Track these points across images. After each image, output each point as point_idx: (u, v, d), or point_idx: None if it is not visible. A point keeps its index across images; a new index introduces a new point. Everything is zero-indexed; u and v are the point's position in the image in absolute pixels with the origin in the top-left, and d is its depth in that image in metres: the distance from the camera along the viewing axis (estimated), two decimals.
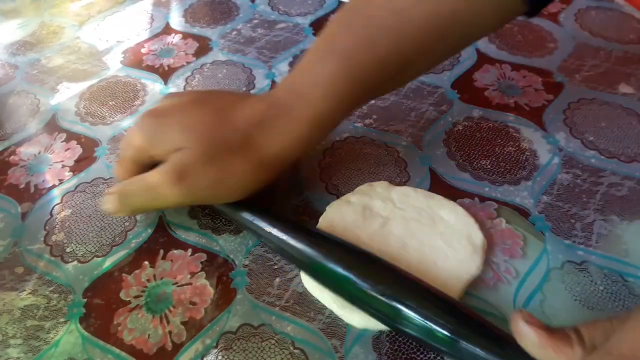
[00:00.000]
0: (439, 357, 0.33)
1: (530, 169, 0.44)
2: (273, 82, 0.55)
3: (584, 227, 0.40)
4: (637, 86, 0.52)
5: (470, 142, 0.47)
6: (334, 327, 0.35)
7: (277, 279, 0.38)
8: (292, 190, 0.44)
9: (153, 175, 0.37)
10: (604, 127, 0.48)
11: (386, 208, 0.41)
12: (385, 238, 0.39)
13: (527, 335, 0.28)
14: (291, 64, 0.57)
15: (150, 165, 0.38)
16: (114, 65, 0.59)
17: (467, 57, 0.57)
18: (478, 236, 0.38)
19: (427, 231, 0.39)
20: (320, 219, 0.40)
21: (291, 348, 0.34)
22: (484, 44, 0.59)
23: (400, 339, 0.34)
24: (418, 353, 0.33)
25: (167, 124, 0.37)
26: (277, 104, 0.38)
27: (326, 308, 0.36)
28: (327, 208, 0.41)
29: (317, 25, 0.63)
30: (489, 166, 0.45)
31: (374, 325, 0.34)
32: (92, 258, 0.40)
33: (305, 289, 0.37)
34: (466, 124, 0.49)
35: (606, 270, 0.37)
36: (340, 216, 0.40)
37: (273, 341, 0.34)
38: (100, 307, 0.37)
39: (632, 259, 0.38)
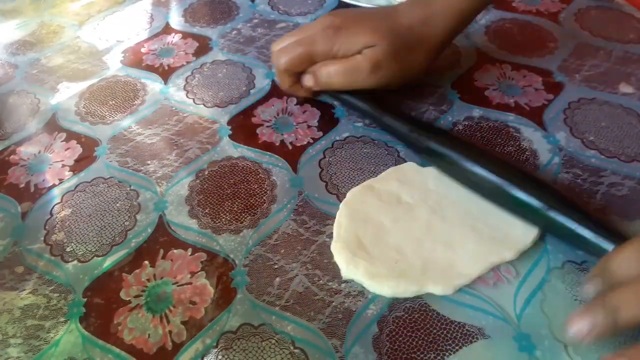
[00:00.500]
0: (439, 357, 0.33)
1: (531, 169, 0.44)
2: (273, 81, 0.55)
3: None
4: (638, 86, 0.52)
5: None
6: (334, 327, 0.35)
7: (277, 279, 0.38)
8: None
9: (355, 61, 0.46)
10: (604, 126, 0.48)
11: (414, 194, 0.42)
12: (409, 222, 0.40)
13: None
14: None
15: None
16: (114, 65, 0.59)
17: (467, 56, 0.57)
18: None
19: (461, 216, 0.41)
20: (341, 205, 0.42)
21: (291, 348, 0.34)
22: (484, 44, 0.58)
23: (400, 339, 0.34)
24: (418, 353, 0.33)
25: (354, 27, 0.47)
26: (432, 4, 0.48)
27: (326, 307, 0.36)
28: (348, 194, 0.43)
29: None
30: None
31: (402, 292, 0.36)
32: (92, 257, 0.40)
33: (335, 263, 0.38)
34: (466, 123, 0.49)
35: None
36: (362, 202, 0.42)
37: (273, 341, 0.34)
38: (100, 306, 0.37)
39: None
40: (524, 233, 0.39)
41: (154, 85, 0.56)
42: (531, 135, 0.47)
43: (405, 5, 0.49)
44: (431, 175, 0.44)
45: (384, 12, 0.49)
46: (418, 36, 0.47)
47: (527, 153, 0.46)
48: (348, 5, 0.65)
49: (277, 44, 0.49)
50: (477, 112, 0.50)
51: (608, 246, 0.34)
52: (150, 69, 0.58)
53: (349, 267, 0.37)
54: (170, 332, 0.35)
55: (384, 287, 0.36)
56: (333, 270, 0.38)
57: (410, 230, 0.40)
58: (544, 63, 0.55)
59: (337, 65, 0.47)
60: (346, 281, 0.37)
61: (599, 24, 0.61)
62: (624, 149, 0.46)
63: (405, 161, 0.45)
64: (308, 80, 0.49)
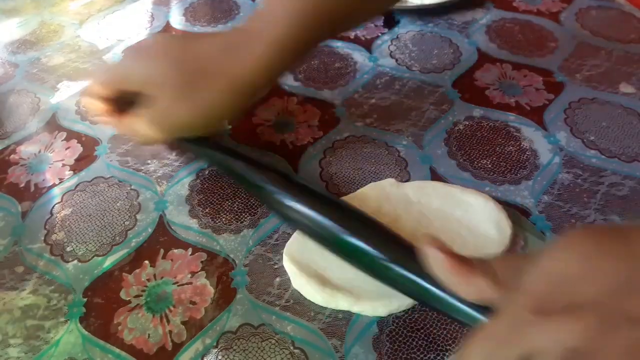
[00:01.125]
0: (439, 357, 0.33)
1: (531, 169, 0.44)
2: None
3: (585, 226, 0.40)
4: (638, 86, 0.52)
5: (471, 142, 0.47)
6: (334, 327, 0.35)
7: (278, 279, 0.38)
8: None
9: (134, 123, 0.40)
10: (605, 126, 0.48)
11: (397, 206, 0.41)
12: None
13: (437, 261, 0.28)
14: None
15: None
16: None
17: (467, 56, 0.57)
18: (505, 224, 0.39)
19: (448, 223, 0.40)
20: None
21: (291, 348, 0.34)
22: (485, 43, 0.58)
23: (400, 339, 0.34)
24: (418, 353, 0.33)
25: (128, 78, 0.40)
26: (241, 30, 0.39)
27: (326, 307, 0.36)
28: None
29: None
30: (489, 166, 0.45)
31: (397, 308, 0.35)
32: (93, 257, 0.40)
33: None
34: (467, 123, 0.49)
35: None
36: None
37: (273, 341, 0.34)
38: (100, 306, 0.37)
39: None
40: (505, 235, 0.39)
41: None
42: (532, 135, 0.47)
43: (218, 32, 0.42)
44: (411, 188, 0.42)
45: (182, 41, 0.42)
46: (217, 67, 0.38)
47: (527, 153, 0.46)
48: None
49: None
50: (477, 111, 0.50)
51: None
52: None
53: (329, 304, 0.36)
54: (170, 332, 0.35)
55: (377, 308, 0.35)
56: None
57: None
58: (545, 63, 0.55)
59: (131, 121, 0.41)
60: None
61: (600, 23, 0.61)
62: (624, 149, 0.46)
63: (406, 161, 0.45)
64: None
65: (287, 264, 0.38)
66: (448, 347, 0.34)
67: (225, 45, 0.39)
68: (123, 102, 0.41)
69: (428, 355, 0.33)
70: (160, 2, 0.69)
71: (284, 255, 0.38)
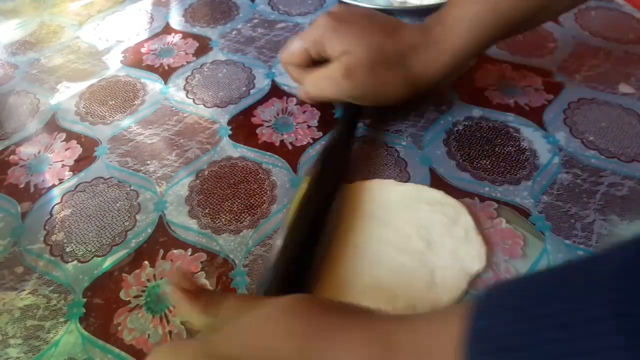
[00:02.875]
0: None
1: (531, 169, 0.44)
2: (273, 81, 0.55)
3: (584, 227, 0.40)
4: (637, 86, 0.52)
5: (471, 142, 0.47)
6: None
7: None
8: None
9: (326, 70, 0.45)
10: (604, 126, 0.48)
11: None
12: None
13: (174, 299, 0.31)
14: None
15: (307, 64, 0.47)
16: (114, 65, 0.59)
17: None
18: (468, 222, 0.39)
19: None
20: None
21: None
22: None
23: None
24: None
25: (343, 29, 0.44)
26: (429, 33, 0.44)
27: None
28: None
29: None
30: (489, 166, 0.45)
31: None
32: (92, 258, 0.40)
33: None
34: (466, 123, 0.49)
35: None
36: None
37: None
38: (100, 306, 0.37)
39: None
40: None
41: (154, 85, 0.56)
42: (531, 136, 0.47)
43: (411, 26, 0.46)
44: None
45: (384, 22, 0.46)
46: (401, 58, 0.44)
47: (527, 153, 0.46)
48: (349, 5, 0.65)
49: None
50: (477, 112, 0.50)
51: None
52: (150, 69, 0.58)
53: None
54: (170, 332, 0.35)
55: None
56: None
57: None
58: (544, 63, 0.55)
59: (316, 75, 0.46)
60: None
61: (599, 24, 0.61)
62: (623, 149, 0.46)
63: (406, 161, 0.45)
64: (299, 92, 0.50)
65: None
66: None
67: (414, 44, 0.44)
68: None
69: None
70: (159, 3, 0.69)
71: None
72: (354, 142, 0.47)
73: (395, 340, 0.25)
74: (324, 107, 0.52)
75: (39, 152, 0.49)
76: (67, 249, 0.40)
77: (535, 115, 0.49)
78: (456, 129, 0.48)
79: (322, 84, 0.46)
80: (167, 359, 0.27)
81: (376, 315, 0.28)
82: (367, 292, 0.36)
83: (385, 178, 0.44)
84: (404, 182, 0.44)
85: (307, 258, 0.36)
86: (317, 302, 0.29)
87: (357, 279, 0.37)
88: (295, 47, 0.47)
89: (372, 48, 0.43)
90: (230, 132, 0.49)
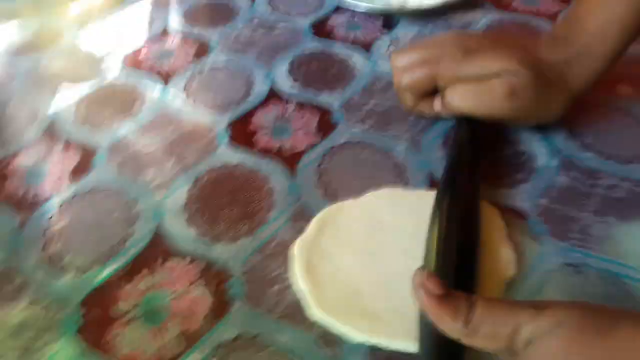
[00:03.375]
0: None
1: (528, 172, 0.44)
2: (271, 85, 0.55)
3: (582, 228, 0.40)
4: (636, 87, 0.51)
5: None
6: (331, 336, 0.35)
7: (276, 287, 0.38)
8: None
9: (490, 84, 0.43)
10: (602, 128, 0.48)
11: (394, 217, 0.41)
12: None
13: (421, 302, 0.30)
14: (292, 64, 0.57)
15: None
16: (114, 69, 0.59)
17: None
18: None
19: None
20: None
21: (288, 357, 0.34)
22: None
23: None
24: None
25: (490, 53, 0.43)
26: (577, 42, 0.43)
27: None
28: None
29: (318, 26, 0.63)
30: (487, 169, 0.45)
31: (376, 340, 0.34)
32: (90, 269, 0.40)
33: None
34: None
35: (604, 272, 0.37)
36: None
37: (270, 350, 0.34)
38: (97, 318, 0.37)
39: (630, 261, 0.38)
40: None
41: (153, 89, 0.56)
42: (529, 138, 0.47)
43: (545, 40, 0.45)
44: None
45: (520, 43, 0.46)
46: (560, 75, 0.43)
47: (524, 157, 0.45)
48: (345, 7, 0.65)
49: (398, 59, 0.47)
50: None
51: None
52: (150, 73, 0.58)
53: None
54: (166, 343, 0.35)
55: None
56: None
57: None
58: None
59: (469, 88, 0.44)
60: None
61: None
62: (621, 151, 0.45)
63: (404, 165, 0.45)
64: (437, 106, 0.47)
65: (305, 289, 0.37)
66: None
67: (567, 58, 0.43)
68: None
69: None
70: (159, 5, 0.69)
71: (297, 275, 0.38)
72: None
73: None
74: (322, 112, 0.51)
75: (36, 161, 0.49)
76: (65, 260, 0.40)
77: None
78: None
79: (477, 100, 0.44)
80: None
81: None
82: None
83: (383, 182, 0.44)
84: (402, 187, 0.44)
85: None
86: (599, 312, 0.28)
87: None
88: (422, 73, 0.45)
89: (531, 67, 0.42)
90: (228, 138, 0.49)
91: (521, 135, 0.47)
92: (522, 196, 0.42)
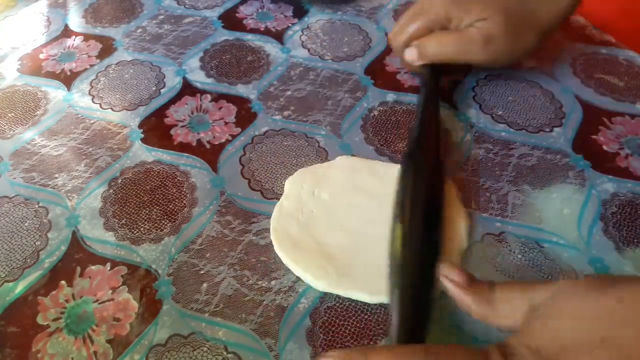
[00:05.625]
0: (372, 342, 0.34)
1: (444, 147, 0.45)
2: (184, 79, 0.53)
3: (499, 198, 0.42)
4: (539, 59, 0.54)
5: (387, 127, 0.48)
6: (267, 326, 0.34)
7: (205, 284, 0.37)
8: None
9: (468, 33, 0.46)
10: (511, 100, 0.50)
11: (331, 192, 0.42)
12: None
13: (450, 291, 0.32)
14: (202, 60, 0.56)
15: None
16: (11, 74, 0.55)
17: (377, 42, 0.57)
18: None
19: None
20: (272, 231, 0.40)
21: (224, 353, 0.33)
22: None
23: (333, 329, 0.34)
24: (352, 341, 0.34)
25: (467, 2, 0.46)
26: None
27: (257, 307, 0.35)
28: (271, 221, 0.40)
29: (227, 18, 0.62)
30: (405, 148, 0.45)
31: (335, 289, 0.36)
32: (2, 284, 0.37)
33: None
34: (381, 108, 0.49)
35: (523, 238, 0.39)
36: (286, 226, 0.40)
37: (205, 349, 0.33)
38: (15, 335, 0.34)
39: (546, 226, 0.40)
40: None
41: (56, 92, 0.52)
42: (443, 115, 0.48)
43: None
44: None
45: None
46: (531, 11, 0.46)
47: (440, 133, 0.47)
48: None
49: (395, 25, 0.50)
50: (390, 96, 0.51)
51: None
52: (51, 75, 0.54)
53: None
54: (95, 352, 0.33)
55: (319, 283, 0.36)
56: (262, 269, 0.37)
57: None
58: None
59: (446, 37, 0.47)
60: (276, 277, 0.37)
61: None
62: (530, 121, 0.48)
63: (326, 152, 0.45)
64: (410, 54, 0.49)
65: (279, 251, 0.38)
66: (380, 332, 0.34)
67: None
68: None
69: (362, 342, 0.34)
70: (56, 5, 0.65)
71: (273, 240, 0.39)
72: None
73: None
74: (240, 102, 0.50)
75: None
76: None
77: (446, 95, 0.50)
78: (372, 114, 0.49)
79: (455, 48, 0.46)
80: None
81: None
82: None
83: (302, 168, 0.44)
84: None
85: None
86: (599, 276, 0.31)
87: None
88: (415, 28, 0.48)
89: (505, 12, 0.45)
90: (142, 136, 0.47)
91: None
92: None
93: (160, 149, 0.46)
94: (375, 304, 0.35)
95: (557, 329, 0.26)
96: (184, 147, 0.46)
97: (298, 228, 0.39)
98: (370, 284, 0.35)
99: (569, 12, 0.47)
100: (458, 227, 0.39)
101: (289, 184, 0.42)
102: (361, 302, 0.36)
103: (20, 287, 0.37)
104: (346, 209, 0.40)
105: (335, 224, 0.39)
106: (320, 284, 0.36)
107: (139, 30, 0.60)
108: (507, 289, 0.31)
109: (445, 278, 0.32)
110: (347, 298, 0.36)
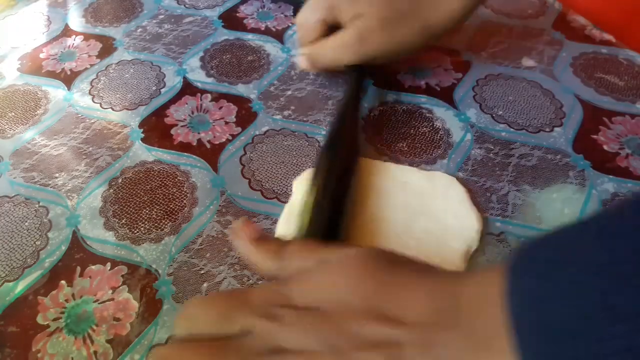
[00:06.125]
0: None
1: (445, 147, 0.45)
2: (184, 78, 0.53)
3: (500, 198, 0.42)
4: (538, 59, 0.54)
5: (387, 126, 0.48)
6: None
7: (205, 284, 0.37)
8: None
9: (340, 37, 0.45)
10: (512, 100, 0.50)
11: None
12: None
13: (239, 246, 0.33)
14: (202, 59, 0.56)
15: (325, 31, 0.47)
16: (11, 74, 0.55)
17: None
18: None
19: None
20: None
21: None
22: None
23: None
24: None
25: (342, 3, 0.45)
26: None
27: None
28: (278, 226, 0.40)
29: (227, 18, 0.62)
30: (405, 148, 0.46)
31: None
32: (3, 283, 0.37)
33: None
34: (381, 108, 0.49)
35: (523, 238, 0.39)
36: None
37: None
38: (15, 335, 0.35)
39: (546, 226, 0.40)
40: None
41: (56, 92, 0.52)
42: (443, 115, 0.48)
43: None
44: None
45: None
46: (414, 11, 0.44)
47: (440, 132, 0.47)
48: None
49: (298, 15, 0.49)
50: (390, 96, 0.51)
51: None
52: (52, 75, 0.54)
53: None
54: (95, 352, 0.33)
55: None
56: None
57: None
58: (452, 43, 0.57)
59: (323, 44, 0.47)
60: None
61: (499, 1, 0.63)
62: (530, 121, 0.48)
63: None
64: (302, 63, 0.49)
65: None
66: None
67: None
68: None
69: None
70: (56, 4, 0.65)
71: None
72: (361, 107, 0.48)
73: (457, 292, 0.26)
74: (241, 101, 0.50)
75: None
76: None
77: (446, 95, 0.50)
78: (372, 114, 0.49)
79: (335, 52, 0.46)
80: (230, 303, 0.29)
81: (435, 270, 0.29)
82: None
83: (308, 169, 0.44)
84: None
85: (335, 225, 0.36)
86: (383, 255, 0.29)
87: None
88: (312, 20, 0.47)
89: (383, 7, 0.44)
90: (142, 135, 0.47)
91: (436, 113, 0.49)
92: (441, 171, 0.43)
93: (160, 149, 0.46)
94: None
95: (331, 284, 0.28)
96: (184, 147, 0.46)
97: None
98: None
99: (461, 18, 0.46)
100: (470, 227, 0.39)
101: (299, 186, 0.42)
102: None
103: (20, 287, 0.37)
104: (365, 210, 0.40)
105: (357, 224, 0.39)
106: None
107: (139, 30, 0.60)
108: (299, 246, 0.31)
109: (236, 234, 0.33)
110: None
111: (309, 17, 0.48)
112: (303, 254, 0.30)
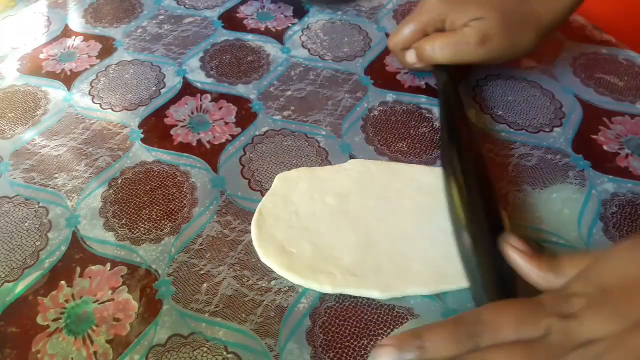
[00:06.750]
0: (372, 342, 0.34)
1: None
2: (184, 79, 0.53)
3: (500, 198, 0.41)
4: (538, 59, 0.54)
5: (387, 126, 0.48)
6: (267, 326, 0.34)
7: (205, 284, 0.37)
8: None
9: (462, 34, 0.46)
10: (511, 100, 0.50)
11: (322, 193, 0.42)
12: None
13: (514, 260, 0.33)
14: (202, 60, 0.56)
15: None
16: (11, 74, 0.55)
17: (377, 42, 0.57)
18: None
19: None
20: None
21: (224, 353, 0.33)
22: (393, 28, 0.59)
23: (333, 328, 0.34)
24: (352, 340, 0.34)
25: (462, 1, 0.47)
26: None
27: (257, 307, 0.35)
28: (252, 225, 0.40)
29: (227, 18, 0.62)
30: (405, 148, 0.46)
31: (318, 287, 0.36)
32: (2, 284, 0.37)
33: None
34: (381, 108, 0.49)
35: (524, 239, 0.39)
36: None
37: (205, 349, 0.33)
38: (15, 335, 0.34)
39: (546, 226, 0.40)
40: None
41: (56, 92, 0.52)
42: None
43: None
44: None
45: None
46: (529, 11, 0.46)
47: (440, 133, 0.47)
48: None
49: (392, 39, 0.51)
50: (390, 96, 0.51)
51: None
52: (51, 75, 0.54)
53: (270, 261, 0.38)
54: (95, 352, 0.33)
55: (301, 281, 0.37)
56: (262, 269, 0.37)
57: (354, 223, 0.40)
58: None
59: (443, 39, 0.47)
60: (276, 277, 0.37)
61: None
62: (530, 121, 0.48)
63: (326, 152, 0.45)
64: (410, 57, 0.50)
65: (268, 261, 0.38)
66: (380, 331, 0.34)
67: None
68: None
69: (361, 342, 0.34)
70: (56, 5, 0.65)
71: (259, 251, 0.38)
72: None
73: None
74: (240, 102, 0.50)
75: None
76: None
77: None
78: (372, 114, 0.49)
79: (452, 49, 0.46)
80: None
81: None
82: None
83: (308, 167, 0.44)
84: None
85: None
86: None
87: None
88: (409, 30, 0.49)
89: (501, 10, 0.45)
90: (142, 136, 0.47)
91: (436, 113, 0.49)
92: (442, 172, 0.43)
93: (160, 149, 0.46)
94: (375, 304, 0.35)
95: (617, 266, 0.30)
96: (184, 147, 0.46)
97: (286, 232, 0.39)
98: (381, 281, 0.36)
99: (570, 11, 0.47)
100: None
101: (280, 182, 0.43)
102: (361, 302, 0.36)
103: (20, 287, 0.37)
104: (351, 210, 0.40)
105: (338, 224, 0.39)
106: (327, 288, 0.36)
107: (139, 30, 0.60)
108: (572, 255, 0.33)
109: (511, 247, 0.33)
110: (347, 298, 0.36)
111: (406, 29, 0.49)
112: (579, 264, 0.31)
